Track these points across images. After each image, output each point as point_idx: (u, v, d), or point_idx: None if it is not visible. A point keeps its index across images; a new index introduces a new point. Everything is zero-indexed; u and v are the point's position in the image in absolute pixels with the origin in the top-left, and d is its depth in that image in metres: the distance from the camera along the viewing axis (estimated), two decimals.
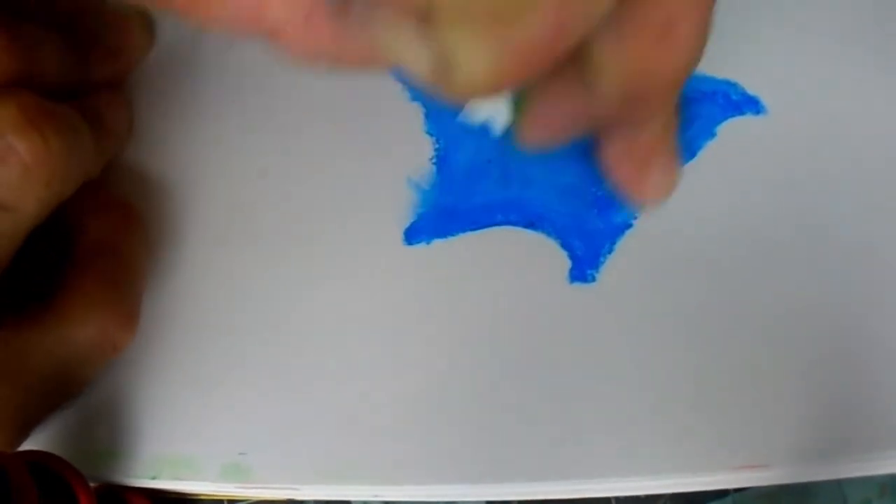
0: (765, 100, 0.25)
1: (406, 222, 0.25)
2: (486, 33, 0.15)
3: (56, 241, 0.23)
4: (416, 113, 0.25)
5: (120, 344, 0.23)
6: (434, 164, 0.25)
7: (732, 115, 0.25)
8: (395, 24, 0.17)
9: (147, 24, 0.26)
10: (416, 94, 0.25)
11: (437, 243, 0.25)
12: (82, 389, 0.23)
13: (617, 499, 0.24)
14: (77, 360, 0.22)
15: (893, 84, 0.25)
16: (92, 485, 0.23)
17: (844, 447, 0.22)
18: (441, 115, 0.25)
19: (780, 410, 0.23)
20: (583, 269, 0.24)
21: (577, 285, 0.24)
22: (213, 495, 0.25)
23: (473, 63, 0.16)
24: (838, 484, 0.24)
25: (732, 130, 0.25)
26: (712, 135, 0.25)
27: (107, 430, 0.24)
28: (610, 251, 0.24)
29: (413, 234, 0.25)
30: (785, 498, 0.24)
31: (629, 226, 0.24)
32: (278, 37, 0.19)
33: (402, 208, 0.25)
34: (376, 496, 0.24)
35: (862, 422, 0.23)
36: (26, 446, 0.24)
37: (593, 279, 0.24)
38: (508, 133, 0.23)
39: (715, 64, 0.25)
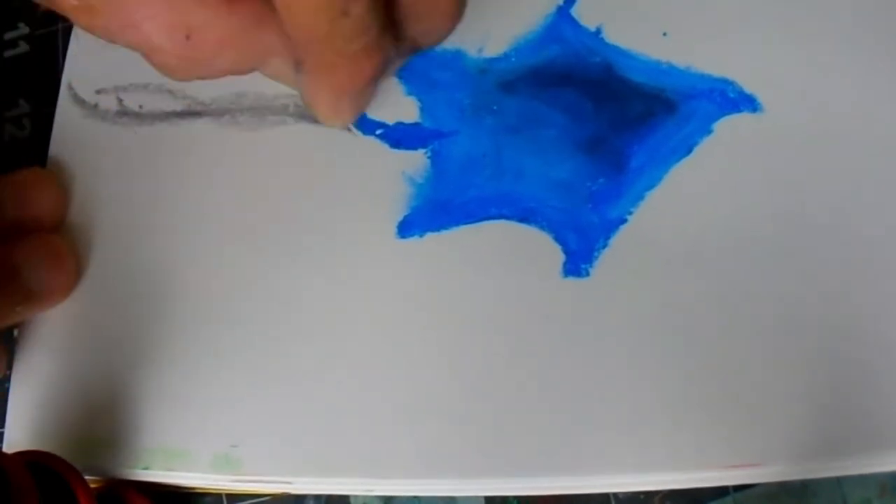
0: (761, 98, 0.25)
1: (399, 216, 0.25)
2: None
3: None
4: (411, 107, 0.26)
5: None
6: (428, 157, 0.25)
7: (729, 113, 0.25)
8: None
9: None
10: (412, 87, 0.26)
11: (431, 237, 0.25)
12: None
13: (616, 495, 0.24)
14: None
15: (889, 82, 0.25)
16: (89, 478, 0.23)
17: (844, 446, 0.22)
18: (436, 110, 0.25)
19: (778, 408, 0.22)
20: (577, 263, 0.24)
21: (571, 279, 0.24)
22: (208, 489, 0.25)
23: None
24: (838, 483, 0.24)
25: (729, 128, 0.25)
26: (709, 132, 0.25)
27: (99, 422, 0.24)
28: (604, 246, 0.24)
29: (406, 228, 0.25)
30: (785, 498, 0.24)
31: (624, 220, 0.24)
32: (153, 57, 0.23)
33: (395, 202, 0.25)
34: (371, 490, 0.24)
35: (862, 421, 0.22)
36: (26, 446, 0.24)
37: (587, 274, 0.24)
38: None
39: (712, 62, 0.25)
